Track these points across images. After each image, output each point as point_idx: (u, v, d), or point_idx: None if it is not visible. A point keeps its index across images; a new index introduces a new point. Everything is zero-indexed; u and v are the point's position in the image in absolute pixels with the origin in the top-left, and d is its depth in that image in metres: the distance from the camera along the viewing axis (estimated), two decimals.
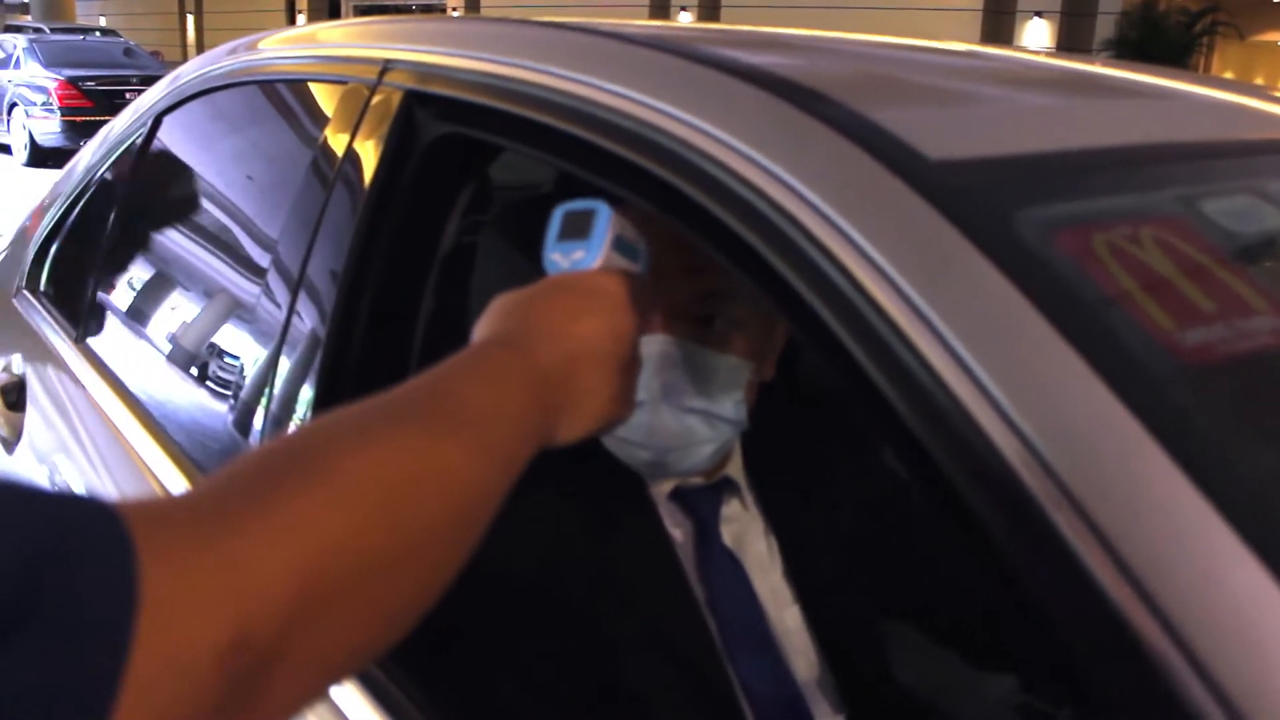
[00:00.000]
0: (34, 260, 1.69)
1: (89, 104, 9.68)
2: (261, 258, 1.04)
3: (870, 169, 0.55)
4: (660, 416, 0.81)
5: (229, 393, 0.98)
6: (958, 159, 0.57)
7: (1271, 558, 0.39)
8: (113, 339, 1.34)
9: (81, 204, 1.61)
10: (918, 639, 1.03)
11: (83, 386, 1.29)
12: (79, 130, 9.51)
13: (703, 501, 0.91)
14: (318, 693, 0.42)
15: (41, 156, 9.86)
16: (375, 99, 0.93)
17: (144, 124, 1.45)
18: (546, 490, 0.87)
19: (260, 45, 1.26)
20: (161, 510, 0.37)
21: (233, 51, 1.31)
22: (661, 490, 0.90)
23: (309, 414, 0.83)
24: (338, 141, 0.95)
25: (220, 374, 1.05)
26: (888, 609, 1.00)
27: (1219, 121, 0.77)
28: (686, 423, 0.82)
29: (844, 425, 1.01)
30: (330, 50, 1.09)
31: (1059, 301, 0.48)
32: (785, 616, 0.94)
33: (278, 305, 0.93)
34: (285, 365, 0.89)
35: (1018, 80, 0.87)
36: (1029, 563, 0.42)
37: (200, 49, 20.37)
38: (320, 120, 1.02)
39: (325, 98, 1.05)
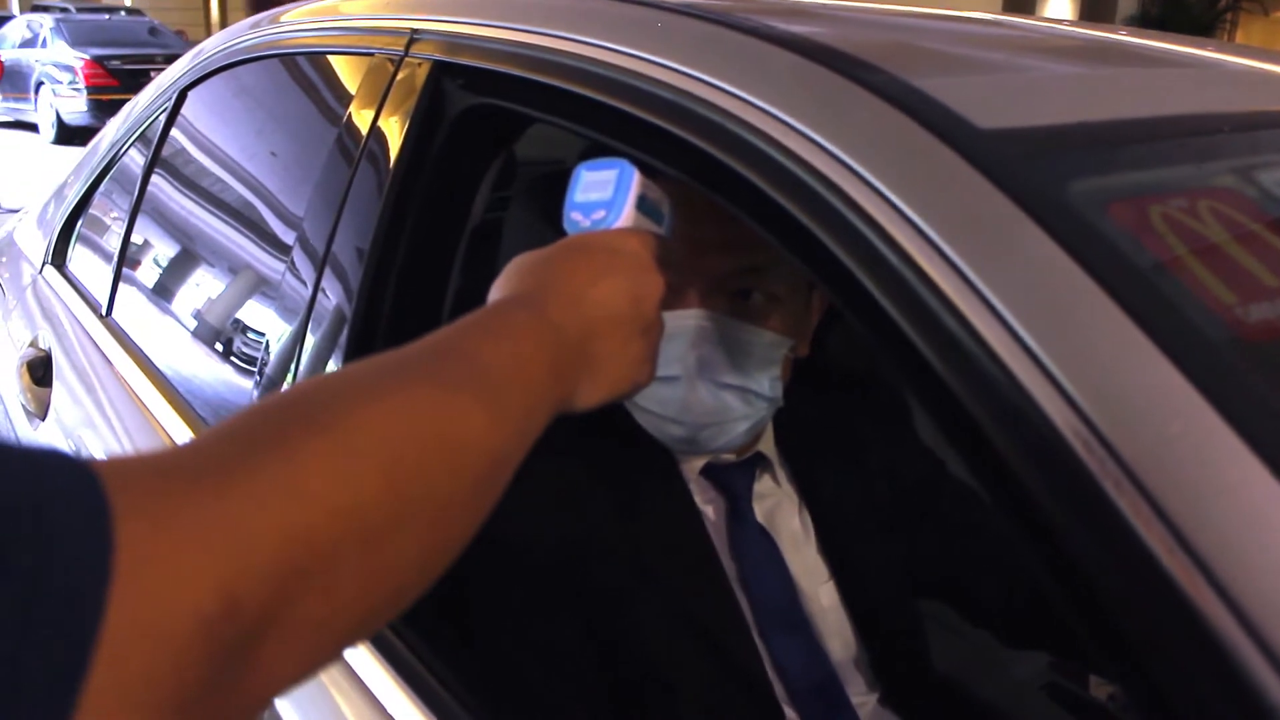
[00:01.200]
0: (59, 237, 1.69)
1: (115, 83, 9.72)
2: (287, 233, 1.03)
3: (920, 138, 0.53)
4: (696, 391, 0.79)
5: (254, 368, 0.97)
6: (1008, 128, 0.55)
7: None
8: (139, 314, 1.34)
9: (106, 181, 1.61)
10: (951, 617, 1.02)
11: (109, 361, 1.29)
12: (105, 109, 9.55)
13: (735, 478, 0.90)
14: (313, 667, 0.37)
15: (68, 134, 9.93)
16: (402, 70, 0.92)
17: (168, 99, 1.44)
18: (577, 466, 0.86)
19: (284, 18, 1.25)
20: (144, 466, 0.33)
21: (256, 25, 1.30)
22: (693, 467, 0.89)
23: None
24: (364, 114, 0.94)
25: (246, 349, 1.05)
26: (922, 587, 0.99)
27: (1268, 91, 0.74)
28: (722, 399, 0.80)
29: (878, 401, 0.99)
30: (355, 22, 1.07)
31: (1117, 273, 0.46)
32: (820, 594, 0.93)
33: (304, 280, 0.92)
34: (311, 340, 0.88)
35: (1059, 50, 0.84)
36: (1086, 543, 0.40)
37: (225, 27, 20.40)
38: (346, 93, 1.01)
39: (351, 70, 1.04)
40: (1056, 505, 0.42)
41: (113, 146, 1.60)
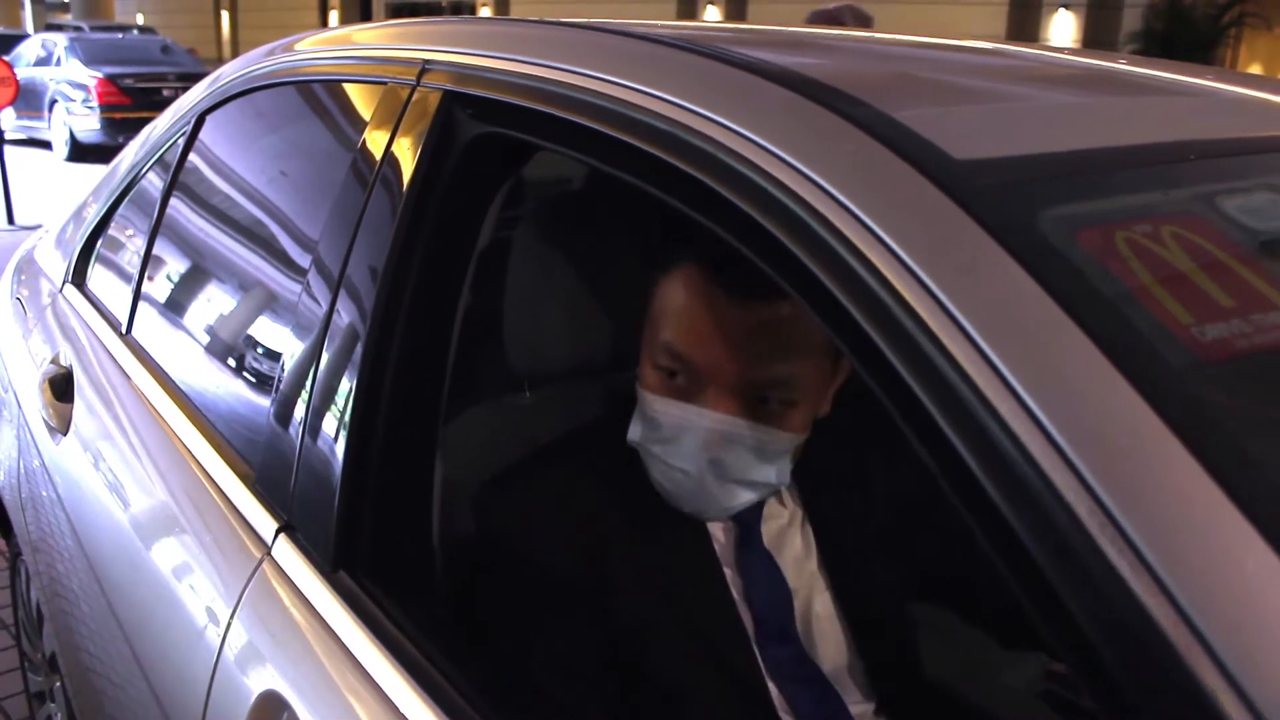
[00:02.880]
0: (79, 256, 1.74)
1: (127, 100, 9.85)
2: (303, 254, 1.07)
3: (899, 169, 0.57)
4: (706, 487, 0.83)
5: (270, 385, 1.01)
6: (982, 159, 0.58)
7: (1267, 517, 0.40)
8: (158, 332, 1.38)
9: (125, 202, 1.66)
10: (947, 628, 1.05)
11: (129, 378, 1.33)
12: (118, 126, 9.68)
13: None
14: None
15: (81, 152, 10.05)
16: (414, 99, 0.96)
17: (187, 123, 1.49)
18: (592, 482, 0.90)
19: (298, 46, 1.29)
20: None
21: (271, 53, 1.34)
22: None
23: (349, 407, 0.86)
24: (377, 140, 0.98)
25: (261, 367, 1.09)
26: (918, 598, 1.02)
27: (1239, 118, 0.78)
28: (731, 490, 0.84)
29: (878, 419, 1.02)
30: (369, 51, 1.12)
31: (1081, 298, 0.49)
32: (815, 603, 0.96)
33: (319, 300, 0.95)
34: (326, 359, 0.92)
35: (1039, 78, 0.88)
36: (1051, 555, 0.44)
37: (235, 45, 20.60)
38: (360, 119, 1.05)
39: (365, 98, 1.08)
40: (1022, 516, 0.45)
41: (132, 168, 1.65)
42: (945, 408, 0.48)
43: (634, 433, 0.87)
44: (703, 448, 0.82)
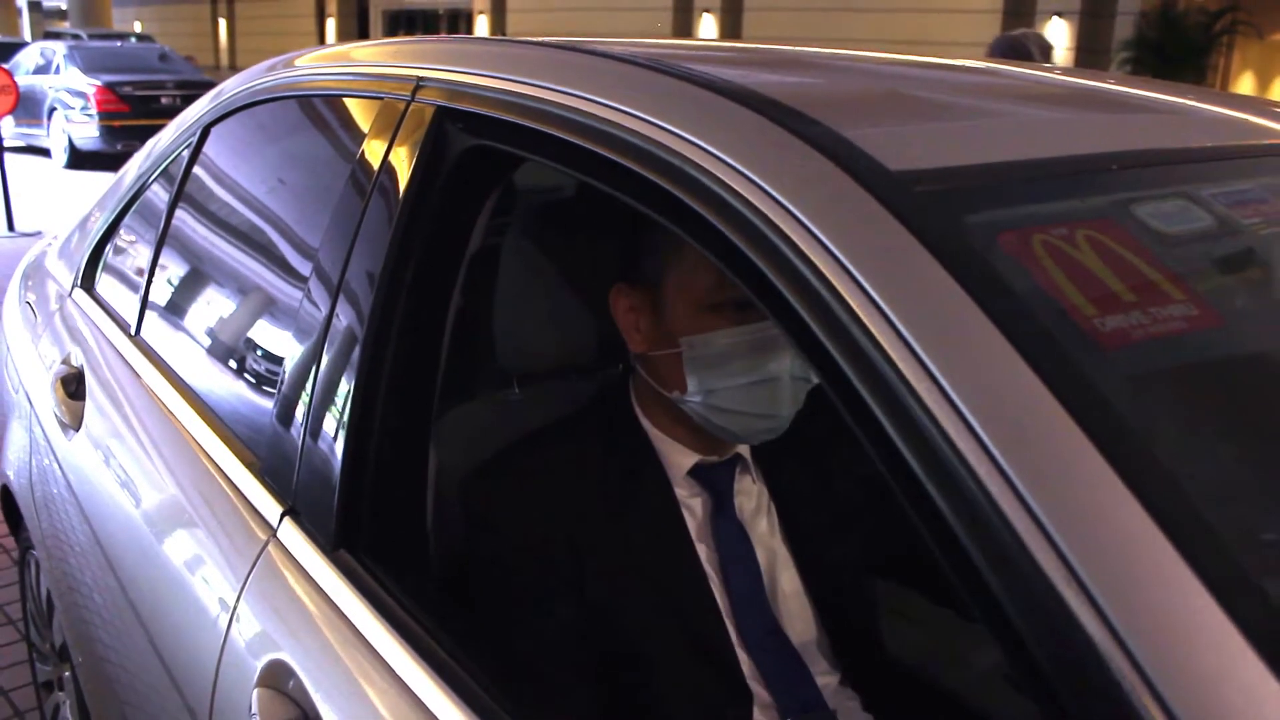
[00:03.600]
0: (88, 261, 1.81)
1: (126, 108, 9.92)
2: (304, 259, 1.13)
3: (842, 181, 0.64)
4: (781, 392, 0.93)
5: (274, 382, 1.08)
6: (916, 169, 0.65)
7: (1157, 502, 0.47)
8: (166, 333, 1.45)
9: (132, 210, 1.73)
10: (911, 608, 1.12)
11: (138, 376, 1.40)
12: (117, 134, 9.75)
13: (720, 477, 1.01)
14: None
15: (80, 159, 10.12)
16: (409, 114, 1.02)
17: (192, 135, 1.56)
18: (573, 464, 0.97)
19: (299, 62, 1.36)
20: None
21: (273, 68, 1.41)
22: (680, 467, 1.00)
23: (349, 401, 0.93)
24: (374, 152, 1.05)
25: (266, 366, 1.15)
26: (880, 574, 1.09)
27: (1161, 130, 0.85)
28: (799, 387, 0.93)
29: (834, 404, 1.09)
30: (366, 68, 1.19)
31: (993, 293, 0.56)
32: (782, 580, 1.03)
33: (320, 303, 1.02)
34: (327, 358, 0.98)
35: (982, 93, 0.95)
36: (968, 530, 0.50)
37: (232, 53, 20.65)
38: (358, 132, 1.12)
39: (362, 112, 1.15)
40: (940, 486, 0.52)
41: (139, 178, 1.72)
42: (872, 388, 0.55)
43: (695, 384, 0.93)
44: (784, 353, 0.91)
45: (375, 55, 1.21)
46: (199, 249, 1.44)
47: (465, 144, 0.96)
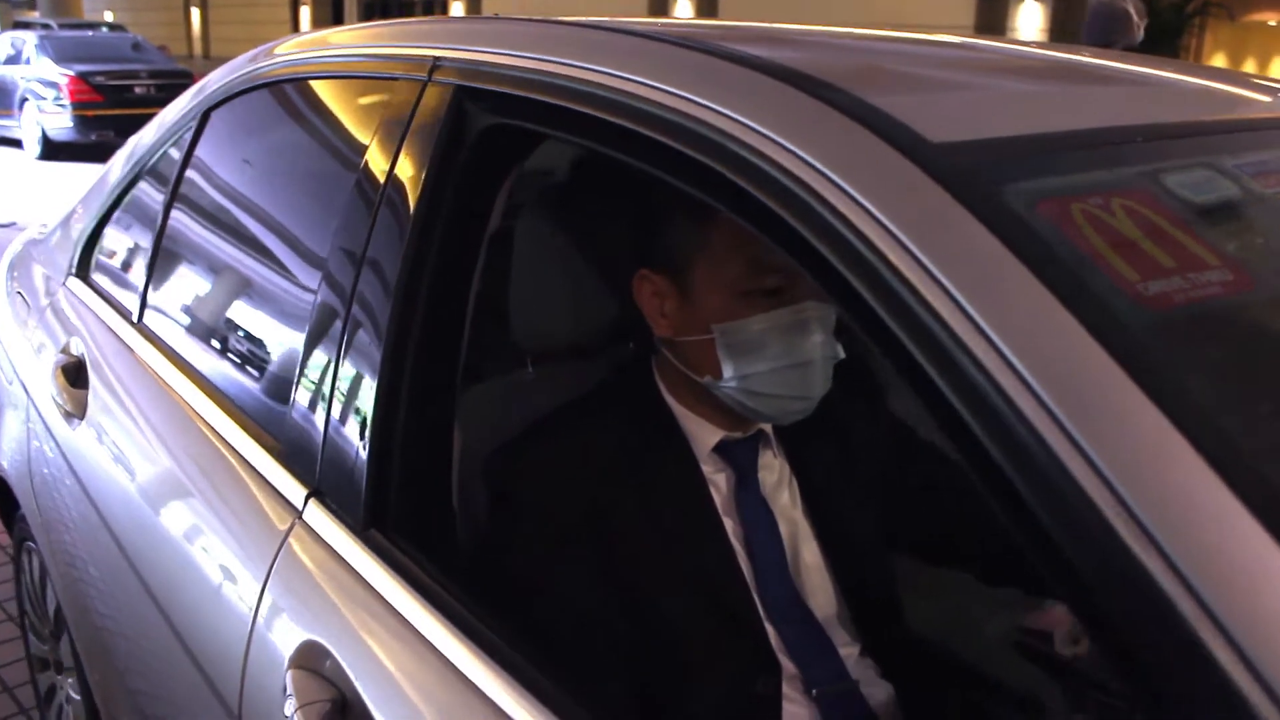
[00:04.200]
0: (83, 250, 1.79)
1: (99, 98, 9.77)
2: (319, 243, 1.13)
3: (882, 151, 0.64)
4: (814, 374, 0.94)
5: (290, 369, 1.07)
6: (954, 141, 0.66)
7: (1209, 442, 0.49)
8: (173, 320, 1.44)
9: (130, 197, 1.71)
10: (924, 581, 1.13)
11: (145, 363, 1.39)
12: (90, 124, 9.61)
13: (744, 453, 1.03)
14: None
15: (53, 150, 9.97)
16: (426, 94, 1.02)
17: (193, 119, 1.54)
18: (604, 441, 0.98)
19: (304, 44, 1.35)
20: None
21: (276, 50, 1.40)
22: (706, 444, 1.01)
23: (377, 382, 0.93)
24: (392, 132, 1.04)
25: (282, 351, 1.15)
26: (903, 541, 1.10)
27: (1183, 105, 0.86)
28: (828, 371, 0.95)
29: (855, 380, 1.10)
30: (379, 50, 1.18)
31: (1038, 255, 0.57)
32: (804, 553, 1.04)
33: (339, 288, 1.02)
34: (349, 342, 0.98)
35: (1001, 68, 0.96)
36: (1023, 476, 0.51)
37: (206, 42, 20.38)
38: (373, 113, 1.12)
39: (376, 93, 1.15)
40: (995, 438, 0.53)
41: (135, 165, 1.70)
42: (927, 352, 0.55)
43: (730, 370, 0.95)
44: (817, 335, 0.93)
45: (388, 36, 1.20)
46: (205, 235, 1.42)
47: (486, 123, 0.96)
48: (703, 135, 0.70)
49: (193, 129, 1.53)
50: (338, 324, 1.01)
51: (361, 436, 0.94)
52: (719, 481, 1.02)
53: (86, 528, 1.40)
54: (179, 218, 1.49)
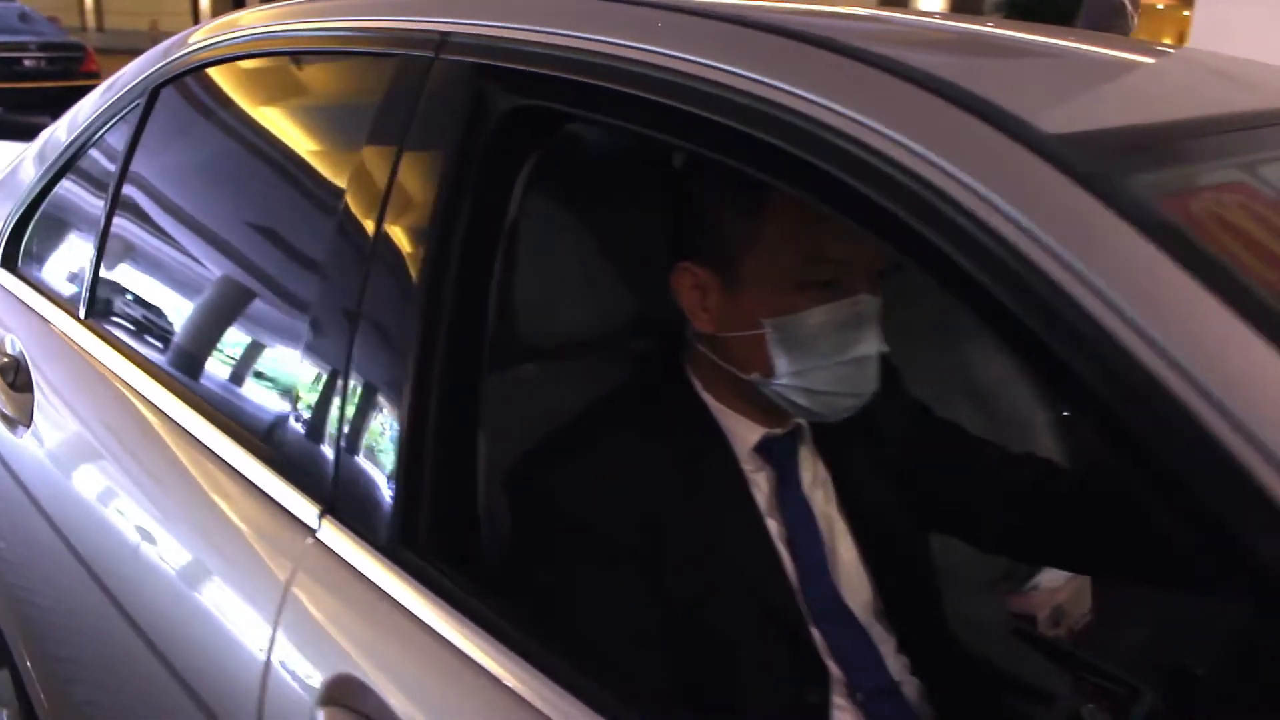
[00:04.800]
0: (9, 238, 1.63)
1: None
2: (312, 235, 1.04)
3: (1000, 141, 0.60)
4: (867, 369, 0.91)
5: (290, 372, 0.98)
6: (1067, 133, 0.62)
7: None
8: (127, 317, 1.32)
9: (64, 181, 1.56)
10: (958, 569, 1.11)
11: (101, 363, 1.26)
12: None
13: (783, 449, 0.99)
14: None
15: None
16: (434, 72, 0.94)
17: (138, 97, 1.41)
18: (646, 444, 0.93)
19: (270, 16, 1.24)
20: None
21: (239, 23, 1.29)
22: (747, 442, 0.97)
23: (403, 385, 0.85)
24: (395, 116, 0.96)
25: (277, 353, 1.05)
26: (927, 535, 1.08)
27: (1265, 90, 0.84)
28: (876, 363, 0.91)
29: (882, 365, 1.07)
30: (368, 22, 1.08)
31: (1181, 248, 0.54)
32: (841, 549, 1.01)
33: (345, 285, 0.93)
34: (364, 339, 0.90)
35: (1077, 56, 0.92)
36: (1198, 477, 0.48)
37: (99, 15, 19.25)
38: (368, 93, 1.02)
39: (369, 71, 1.05)
40: (1159, 440, 0.50)
41: (69, 147, 1.55)
42: (1083, 356, 0.52)
43: (784, 366, 0.90)
44: (872, 329, 0.89)
45: (378, 7, 1.11)
46: (166, 223, 1.30)
47: (510, 104, 0.89)
48: (797, 126, 0.65)
49: (140, 107, 1.40)
50: (344, 327, 0.92)
51: (384, 445, 0.86)
52: (759, 480, 0.98)
53: (37, 546, 1.28)
54: (130, 204, 1.36)
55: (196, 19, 16.77)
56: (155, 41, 1.65)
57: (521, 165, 0.93)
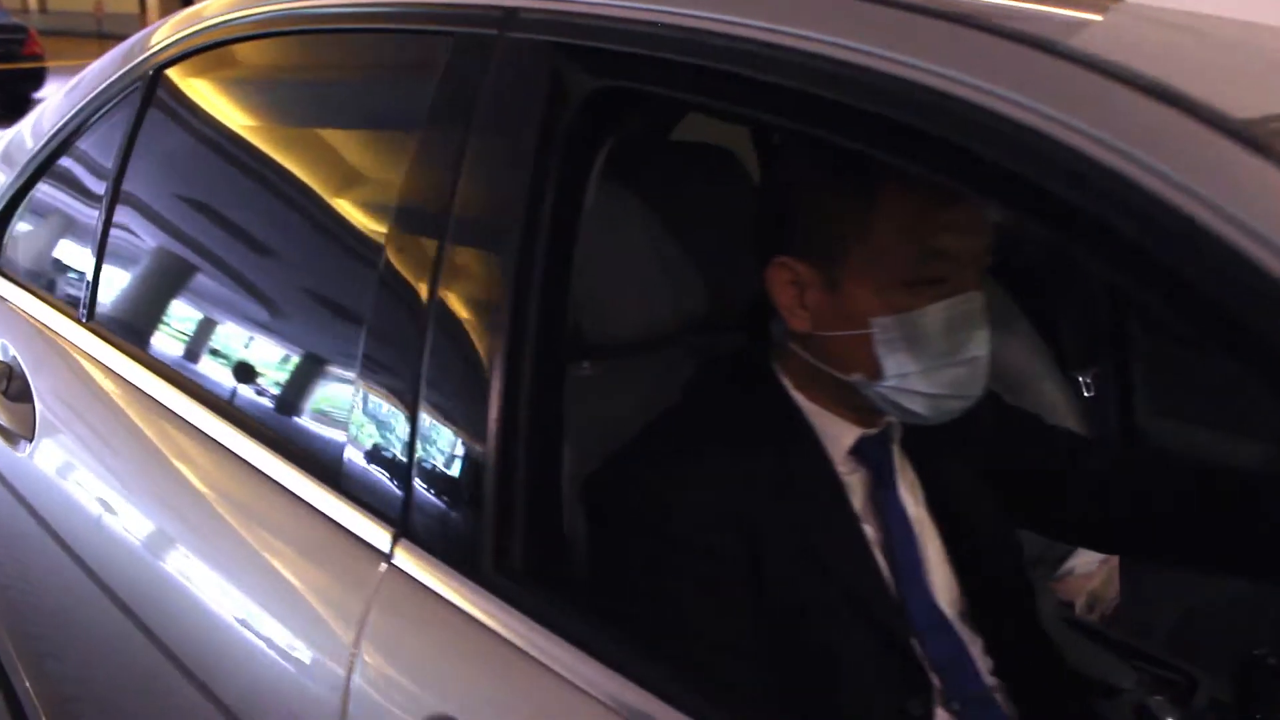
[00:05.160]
0: None
1: None
2: (363, 228, 0.96)
3: (1194, 128, 0.55)
4: (981, 367, 0.86)
5: (348, 377, 0.90)
6: (1257, 117, 0.58)
7: None
8: (139, 321, 1.22)
9: (52, 172, 1.45)
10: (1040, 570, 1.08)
11: (110, 371, 1.17)
12: None
13: (878, 450, 0.94)
14: None
15: None
16: (500, 50, 0.87)
17: (137, 79, 1.31)
18: (727, 457, 0.86)
19: None
20: None
21: None
22: (842, 445, 0.92)
23: (492, 393, 0.78)
24: (454, 101, 0.88)
25: (334, 357, 0.97)
26: (1016, 537, 1.04)
27: None
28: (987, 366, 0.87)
29: None
30: None
31: None
32: (929, 550, 0.97)
33: (412, 287, 0.86)
34: (438, 342, 0.83)
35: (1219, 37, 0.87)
36: None
37: None
38: (414, 75, 0.95)
39: (417, 50, 0.97)
40: None
41: (55, 137, 1.44)
42: None
43: (893, 368, 0.85)
44: (984, 329, 0.85)
45: None
46: (183, 217, 1.21)
47: (593, 86, 0.82)
48: (988, 125, 0.59)
49: (139, 90, 1.30)
50: (411, 334, 0.85)
51: (470, 461, 0.79)
52: (853, 483, 0.93)
53: (47, 570, 1.18)
54: (137, 197, 1.26)
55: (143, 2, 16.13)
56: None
57: (597, 153, 0.86)
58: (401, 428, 0.84)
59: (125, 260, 1.25)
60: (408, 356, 0.84)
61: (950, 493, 1.00)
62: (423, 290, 0.84)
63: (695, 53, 0.74)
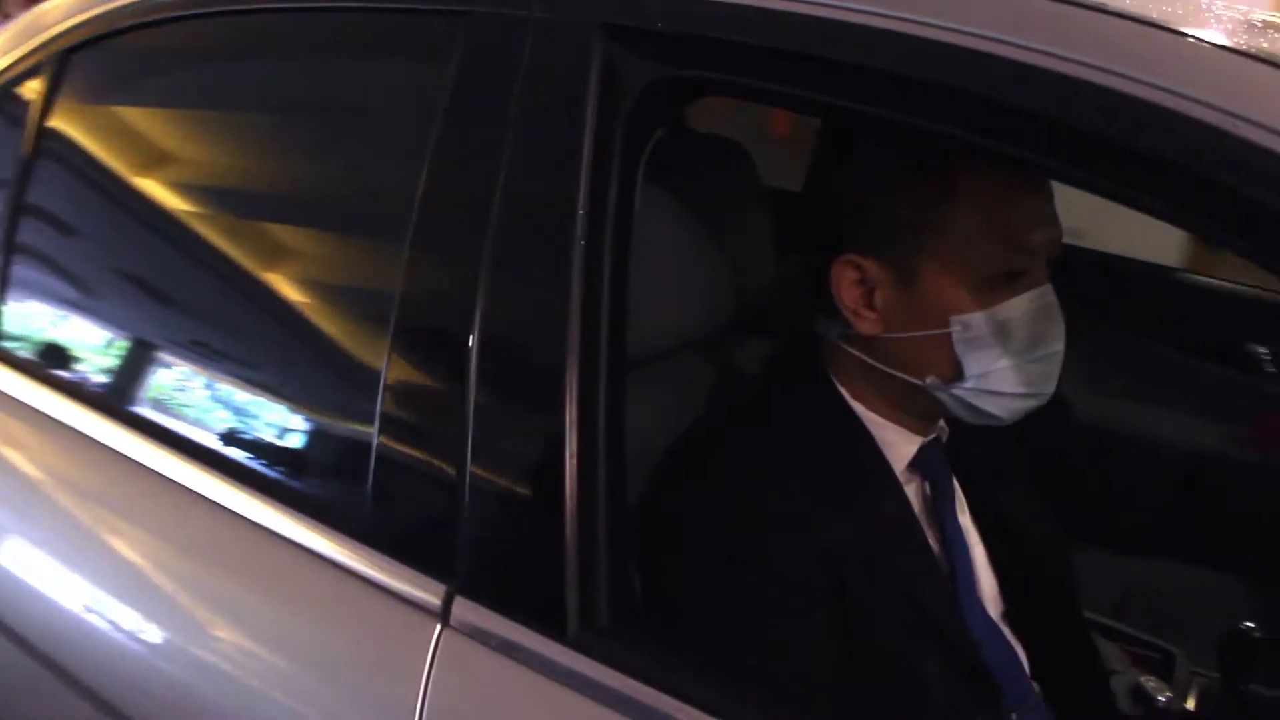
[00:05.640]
0: None
1: None
2: (370, 240, 0.84)
3: None
4: (1055, 363, 0.82)
5: (369, 404, 0.78)
6: None
7: None
8: (54, 344, 1.05)
9: None
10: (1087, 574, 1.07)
11: (38, 410, 1.00)
12: None
13: (936, 456, 0.91)
14: None
15: None
16: (534, 33, 0.77)
17: (35, 66, 1.12)
18: (790, 467, 0.82)
19: None
20: None
21: None
22: (903, 456, 0.88)
23: (570, 419, 0.69)
24: (486, 90, 0.78)
25: (344, 379, 0.84)
26: (1060, 544, 1.03)
27: None
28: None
29: None
30: None
31: None
32: (976, 556, 0.95)
33: (453, 301, 0.75)
34: (477, 362, 0.72)
35: None
36: None
37: None
38: (429, 58, 0.83)
39: (424, 30, 0.86)
40: None
41: None
42: None
43: (973, 367, 0.80)
44: (1061, 322, 0.82)
45: None
46: (116, 216, 1.04)
47: (653, 75, 0.74)
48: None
49: (44, 78, 1.11)
50: (453, 357, 0.74)
51: (545, 500, 0.69)
52: (911, 494, 0.88)
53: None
54: (51, 197, 1.08)
55: None
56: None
57: (646, 146, 0.78)
58: (448, 471, 0.73)
59: (50, 274, 1.08)
60: (446, 388, 0.74)
61: (994, 497, 0.97)
62: (463, 315, 0.73)
63: (783, 38, 0.67)
